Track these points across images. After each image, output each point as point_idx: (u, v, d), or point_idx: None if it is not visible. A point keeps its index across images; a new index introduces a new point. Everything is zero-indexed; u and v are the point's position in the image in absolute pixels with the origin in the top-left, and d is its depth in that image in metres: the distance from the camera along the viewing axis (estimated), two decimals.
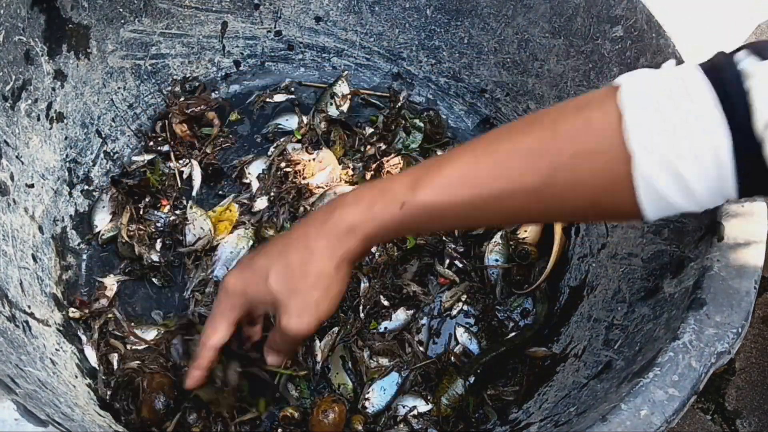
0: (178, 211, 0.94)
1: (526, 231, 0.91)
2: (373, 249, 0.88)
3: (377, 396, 0.80)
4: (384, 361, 0.84)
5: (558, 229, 0.90)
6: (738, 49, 0.53)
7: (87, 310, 0.84)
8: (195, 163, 0.98)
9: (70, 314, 0.83)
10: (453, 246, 0.91)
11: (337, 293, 0.63)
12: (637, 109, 0.52)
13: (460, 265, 0.90)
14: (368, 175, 0.97)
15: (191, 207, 0.92)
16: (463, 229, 0.91)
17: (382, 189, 0.60)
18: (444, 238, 0.91)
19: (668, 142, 0.51)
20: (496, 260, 0.87)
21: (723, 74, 0.51)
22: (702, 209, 0.53)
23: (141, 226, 0.91)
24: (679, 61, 0.77)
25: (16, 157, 0.80)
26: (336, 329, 0.84)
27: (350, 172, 0.97)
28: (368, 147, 1.00)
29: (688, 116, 0.51)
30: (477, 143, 0.60)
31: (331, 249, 0.61)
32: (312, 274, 0.61)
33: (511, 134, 0.58)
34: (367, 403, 0.80)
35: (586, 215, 0.67)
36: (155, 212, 0.93)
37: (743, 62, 0.51)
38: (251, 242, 0.89)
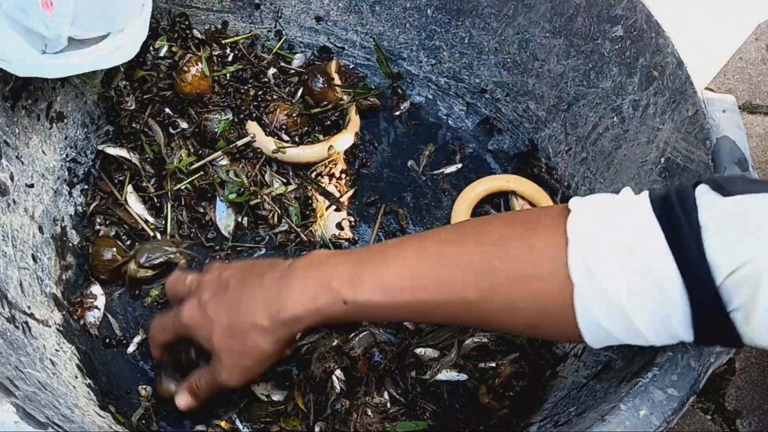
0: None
1: None
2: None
3: None
4: None
5: None
6: (698, 183, 0.50)
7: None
8: None
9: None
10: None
11: (270, 364, 0.68)
12: (583, 240, 0.51)
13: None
14: None
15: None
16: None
17: (326, 283, 0.61)
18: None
19: (612, 280, 0.49)
20: None
21: (677, 212, 0.48)
22: (656, 344, 0.52)
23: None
24: (676, 65, 0.77)
25: (16, 157, 0.80)
26: None
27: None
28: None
29: (636, 256, 0.49)
30: (423, 241, 0.60)
31: (272, 332, 0.63)
32: (249, 346, 0.65)
33: (458, 241, 0.58)
34: None
35: (526, 334, 0.71)
36: None
37: (702, 197, 0.49)
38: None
